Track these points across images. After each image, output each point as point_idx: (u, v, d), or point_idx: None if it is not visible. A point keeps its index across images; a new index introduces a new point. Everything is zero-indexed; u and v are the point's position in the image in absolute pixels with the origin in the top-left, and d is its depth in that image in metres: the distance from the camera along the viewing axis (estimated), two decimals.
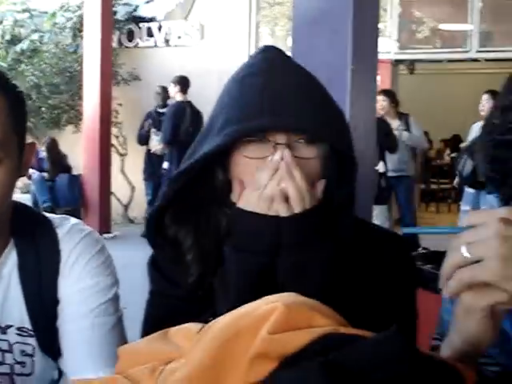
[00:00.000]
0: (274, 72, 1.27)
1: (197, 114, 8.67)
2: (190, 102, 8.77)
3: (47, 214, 1.45)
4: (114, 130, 9.97)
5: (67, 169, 9.58)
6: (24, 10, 11.50)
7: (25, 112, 1.35)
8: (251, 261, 1.20)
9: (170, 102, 9.14)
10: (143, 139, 9.43)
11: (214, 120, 1.29)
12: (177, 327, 1.04)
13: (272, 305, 0.90)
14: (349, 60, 3.24)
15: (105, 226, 8.91)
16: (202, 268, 1.29)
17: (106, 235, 8.15)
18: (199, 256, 1.30)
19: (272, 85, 1.24)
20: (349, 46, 3.24)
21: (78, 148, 8.99)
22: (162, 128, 8.81)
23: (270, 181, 1.21)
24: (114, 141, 9.99)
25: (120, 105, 10.28)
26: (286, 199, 1.20)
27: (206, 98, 9.29)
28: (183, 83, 8.83)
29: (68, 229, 1.41)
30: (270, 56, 1.31)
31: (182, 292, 1.30)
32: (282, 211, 1.20)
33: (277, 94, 1.23)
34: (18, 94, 1.33)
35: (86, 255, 1.39)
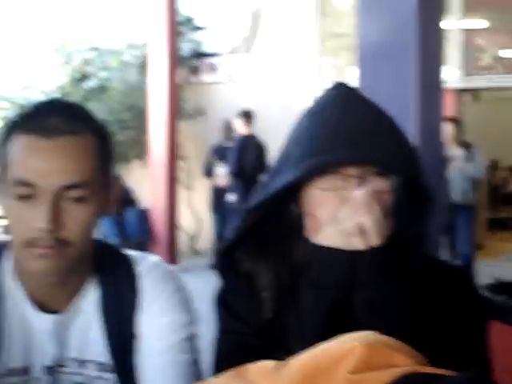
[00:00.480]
0: (346, 106, 1.28)
1: (261, 148, 8.73)
2: (254, 135, 8.83)
3: (127, 251, 1.47)
4: (180, 164, 10.09)
5: (133, 202, 9.70)
6: (92, 49, 11.78)
7: (111, 150, 1.36)
8: (327, 297, 1.20)
9: (234, 135, 9.21)
10: (208, 172, 9.53)
11: (287, 154, 1.29)
12: (252, 365, 1.04)
13: (351, 344, 0.89)
14: (414, 92, 3.23)
15: (172, 258, 8.98)
16: (278, 304, 1.29)
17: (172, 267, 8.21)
18: (275, 292, 1.30)
19: (345, 118, 1.25)
20: (414, 78, 3.23)
21: (146, 182, 9.11)
22: (227, 161, 8.88)
23: (348, 215, 1.21)
24: (180, 174, 10.10)
25: (186, 139, 10.40)
26: (363, 233, 1.20)
27: (270, 131, 9.43)
28: (247, 117, 8.90)
29: (148, 266, 1.43)
30: (341, 91, 1.32)
31: (253, 329, 1.30)
32: (359, 245, 1.20)
33: (350, 127, 1.24)
34: (105, 132, 1.35)
35: (163, 293, 1.40)
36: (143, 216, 9.18)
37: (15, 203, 1.25)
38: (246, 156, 8.61)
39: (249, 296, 1.32)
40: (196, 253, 10.91)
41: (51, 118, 1.26)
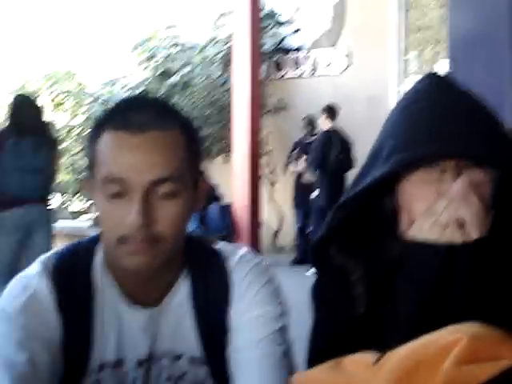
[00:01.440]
0: (440, 97, 1.25)
1: (346, 142, 8.67)
2: (338, 130, 8.78)
3: (218, 244, 1.47)
4: (263, 159, 10.12)
5: (217, 198, 9.78)
6: (174, 45, 11.94)
7: (199, 145, 1.36)
8: (424, 291, 1.17)
9: (318, 130, 9.18)
10: (291, 168, 9.53)
11: (380, 148, 1.27)
12: (350, 357, 1.02)
13: (456, 336, 0.86)
14: (508, 80, 3.15)
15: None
16: (371, 299, 1.27)
17: None
18: (368, 287, 1.28)
19: (439, 110, 1.22)
20: (508, 66, 3.15)
21: (229, 178, 9.16)
22: (309, 157, 8.87)
23: (445, 208, 1.18)
24: (262, 170, 10.13)
25: (269, 134, 10.43)
26: (461, 226, 1.17)
27: (354, 125, 9.35)
28: (331, 111, 8.85)
29: (238, 259, 1.42)
30: (434, 81, 1.29)
31: (348, 322, 1.28)
32: (456, 238, 1.17)
33: (445, 118, 1.21)
34: (193, 129, 1.34)
35: (255, 285, 1.39)
36: (226, 211, 9.23)
37: (106, 200, 1.25)
38: (329, 151, 8.56)
39: (342, 290, 1.30)
40: (278, 249, 10.92)
41: (139, 113, 1.26)
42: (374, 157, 1.27)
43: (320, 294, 1.36)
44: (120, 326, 1.36)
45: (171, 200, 1.24)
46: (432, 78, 1.31)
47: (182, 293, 1.39)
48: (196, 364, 1.40)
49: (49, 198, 5.64)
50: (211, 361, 1.40)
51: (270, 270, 1.45)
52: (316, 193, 8.75)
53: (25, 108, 5.48)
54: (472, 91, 1.30)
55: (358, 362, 0.99)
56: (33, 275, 1.34)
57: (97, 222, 1.34)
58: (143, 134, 1.23)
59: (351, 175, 8.17)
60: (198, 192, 1.35)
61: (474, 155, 1.19)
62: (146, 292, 1.37)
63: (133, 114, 1.26)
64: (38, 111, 5.60)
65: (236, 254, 1.43)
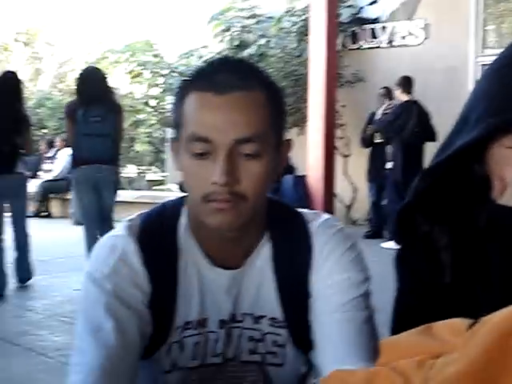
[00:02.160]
0: None
1: (424, 114, 8.53)
2: (416, 101, 8.64)
3: (300, 209, 1.46)
4: (337, 132, 10.06)
5: (291, 170, 9.78)
6: (251, 16, 11.93)
7: (283, 108, 1.36)
8: None
9: (394, 102, 9.06)
10: (367, 142, 9.44)
11: (469, 113, 1.23)
12: (441, 322, 1.00)
13: None
14: None
15: None
16: (459, 267, 1.24)
17: None
18: (456, 255, 1.26)
19: None
20: None
21: (303, 150, 9.14)
22: (384, 127, 8.77)
23: None
24: (337, 142, 10.07)
25: (343, 106, 10.35)
26: None
27: (432, 97, 9.21)
28: (407, 84, 8.72)
29: (320, 224, 1.42)
30: None
31: (435, 290, 1.26)
32: None
33: None
34: (275, 89, 1.33)
35: (338, 250, 1.38)
36: (300, 183, 9.22)
37: (191, 160, 1.27)
38: (406, 123, 8.44)
39: (428, 258, 1.28)
40: (352, 222, 10.88)
41: (223, 74, 1.27)
42: (463, 121, 1.23)
43: (404, 263, 1.33)
44: (203, 286, 1.39)
45: (254, 160, 1.26)
46: None
47: (263, 255, 1.40)
48: (277, 326, 1.41)
49: (115, 159, 6.30)
50: (292, 324, 1.40)
51: (352, 237, 1.44)
52: (390, 165, 8.65)
53: (90, 80, 6.10)
54: None
55: (451, 327, 0.97)
56: (119, 236, 1.37)
57: (181, 186, 1.37)
58: (227, 95, 1.24)
59: (429, 148, 8.06)
60: (281, 154, 1.36)
61: None
62: (228, 254, 1.38)
63: (217, 75, 1.27)
64: (102, 81, 6.19)
65: (318, 219, 1.43)
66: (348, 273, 1.37)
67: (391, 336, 1.17)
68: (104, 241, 1.38)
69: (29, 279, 6.29)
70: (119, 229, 1.39)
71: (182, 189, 1.61)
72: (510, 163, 1.18)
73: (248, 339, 1.42)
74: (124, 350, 1.27)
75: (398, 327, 1.29)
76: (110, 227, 5.62)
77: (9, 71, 6.47)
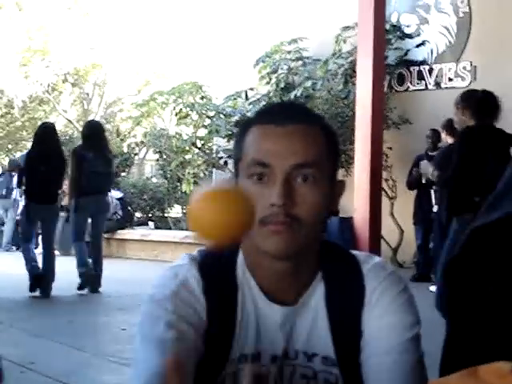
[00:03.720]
0: None
1: None
2: None
3: (352, 251, 1.49)
4: (383, 174, 10.03)
5: (336, 212, 9.76)
6: (297, 58, 12.05)
7: (337, 146, 1.45)
8: None
9: (441, 145, 9.02)
10: (413, 184, 9.40)
11: None
12: (486, 365, 1.01)
13: None
14: None
15: None
16: (506, 313, 1.25)
17: None
18: (501, 302, 1.26)
19: None
20: None
21: (349, 191, 9.16)
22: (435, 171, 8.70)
23: None
24: (383, 184, 10.04)
25: (390, 148, 10.34)
26: None
27: None
28: (452, 126, 8.66)
29: (373, 266, 1.45)
30: None
31: (484, 333, 1.28)
32: None
33: None
34: (330, 128, 1.45)
35: (390, 292, 1.41)
36: (346, 225, 9.20)
37: (250, 183, 1.35)
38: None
39: (479, 303, 1.30)
40: (399, 265, 10.78)
41: (283, 111, 1.42)
42: (510, 185, 1.26)
43: (453, 308, 1.37)
44: (258, 320, 1.42)
45: (310, 184, 1.33)
46: None
47: (317, 294, 1.43)
48: (329, 365, 1.42)
49: (108, 190, 9.04)
50: (343, 363, 1.41)
51: (403, 280, 1.46)
52: (436, 208, 8.58)
53: (96, 133, 8.56)
54: None
55: (495, 370, 0.98)
56: (183, 265, 1.44)
57: None
58: (287, 126, 1.35)
59: None
60: (335, 191, 1.43)
61: None
62: (283, 290, 1.41)
63: (278, 111, 1.42)
64: (104, 135, 8.85)
65: (371, 260, 1.46)
66: (400, 315, 1.39)
67: (439, 378, 1.17)
68: (168, 269, 1.45)
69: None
70: (182, 259, 1.46)
71: None
72: None
73: (300, 377, 1.43)
74: (184, 358, 1.28)
75: (447, 369, 1.30)
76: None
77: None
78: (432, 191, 8.86)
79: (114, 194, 12.86)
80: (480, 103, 5.00)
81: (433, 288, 7.51)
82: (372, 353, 1.38)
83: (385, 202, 10.09)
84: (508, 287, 1.27)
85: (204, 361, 1.36)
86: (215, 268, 1.44)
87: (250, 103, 12.06)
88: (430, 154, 9.17)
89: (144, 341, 1.34)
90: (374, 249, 9.02)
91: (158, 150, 14.95)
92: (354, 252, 1.49)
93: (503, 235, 1.29)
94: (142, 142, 16.10)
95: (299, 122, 1.37)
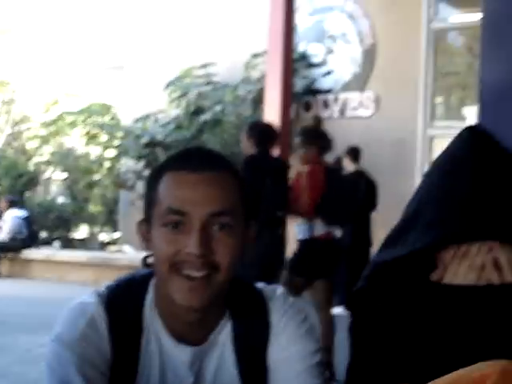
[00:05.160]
0: (480, 170, 1.29)
1: (371, 184, 8.74)
2: (363, 171, 8.86)
3: (259, 284, 1.54)
4: None
5: None
6: (207, 83, 12.09)
7: (245, 192, 1.44)
8: (460, 331, 1.22)
9: (344, 172, 9.25)
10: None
11: (417, 213, 1.33)
12: None
13: (487, 370, 0.96)
14: None
15: None
16: (408, 343, 1.32)
17: None
18: (405, 329, 1.33)
19: (478, 188, 1.27)
20: None
21: None
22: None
23: (479, 250, 1.23)
24: None
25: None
26: (497, 269, 1.22)
27: (380, 168, 9.41)
28: (354, 153, 8.91)
29: (276, 299, 1.49)
30: (475, 147, 1.33)
31: (387, 359, 1.35)
32: (494, 279, 1.21)
33: (482, 199, 1.26)
34: (238, 172, 1.45)
35: (293, 323, 1.46)
36: None
37: (164, 231, 1.34)
38: (353, 194, 8.60)
39: (381, 331, 1.37)
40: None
41: (196, 157, 1.40)
42: (411, 222, 1.34)
43: (358, 335, 1.43)
44: (165, 362, 1.44)
45: (227, 232, 1.34)
46: (474, 138, 1.35)
47: (224, 332, 1.46)
48: None
49: None
50: None
51: (304, 310, 1.53)
52: (338, 233, 8.74)
53: None
54: (500, 141, 1.35)
55: None
56: (89, 303, 1.43)
57: (145, 262, 1.46)
58: (203, 173, 1.35)
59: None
60: (249, 236, 1.44)
61: (506, 239, 1.24)
62: (192, 332, 1.43)
63: (191, 157, 1.40)
64: None
65: (275, 295, 1.50)
66: (302, 343, 1.45)
67: None
68: (75, 306, 1.44)
69: None
70: (89, 296, 1.45)
71: (146, 264, 1.68)
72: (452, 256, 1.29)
73: None
74: None
75: None
76: None
77: None
78: None
79: (19, 213, 12.61)
80: (262, 133, 5.52)
81: (335, 310, 7.59)
82: (279, 382, 1.44)
83: None
84: (407, 323, 1.35)
85: None
86: (122, 307, 1.43)
87: (160, 125, 12.04)
88: None
89: (52, 381, 1.36)
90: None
91: (65, 170, 14.73)
92: (260, 286, 1.52)
93: (406, 272, 1.37)
94: (49, 161, 15.83)
95: (214, 169, 1.37)
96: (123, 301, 1.44)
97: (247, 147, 5.54)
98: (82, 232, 15.51)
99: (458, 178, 1.31)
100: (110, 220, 14.08)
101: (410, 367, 1.32)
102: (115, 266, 10.68)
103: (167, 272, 1.34)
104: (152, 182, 1.41)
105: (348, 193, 6.15)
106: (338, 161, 9.44)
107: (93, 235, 13.93)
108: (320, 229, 5.41)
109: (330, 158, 9.76)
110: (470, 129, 1.39)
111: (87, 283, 10.18)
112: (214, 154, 1.46)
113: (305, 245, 5.42)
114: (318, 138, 6.00)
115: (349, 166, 8.87)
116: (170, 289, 1.35)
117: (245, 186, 1.45)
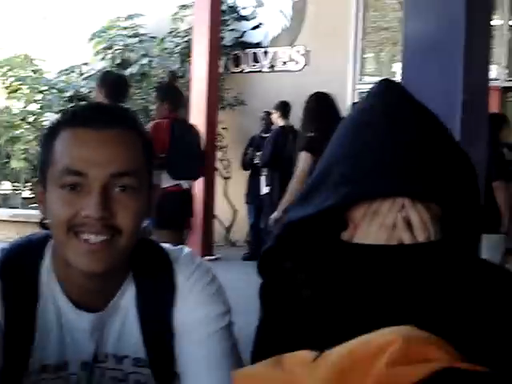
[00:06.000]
0: (392, 124, 1.25)
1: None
2: (292, 126, 8.81)
3: (164, 245, 1.47)
4: (218, 154, 10.13)
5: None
6: (134, 35, 11.87)
7: (152, 151, 1.37)
8: (369, 292, 1.19)
9: (273, 127, 9.21)
10: (246, 165, 9.53)
11: (328, 170, 1.29)
12: (291, 354, 1.04)
13: (389, 337, 0.90)
14: (460, 88, 3.19)
15: (207, 248, 9.01)
16: (317, 304, 1.28)
17: (208, 257, 8.24)
18: (314, 293, 1.30)
19: (390, 144, 1.23)
20: (460, 75, 3.19)
21: None
22: (262, 152, 8.88)
23: (391, 209, 1.20)
24: (218, 164, 10.13)
25: (225, 129, 10.44)
26: (408, 228, 1.19)
27: None
28: (284, 108, 8.88)
29: (182, 260, 1.43)
30: (389, 100, 1.29)
31: (294, 322, 1.30)
32: (405, 239, 1.19)
33: (394, 155, 1.22)
34: (147, 134, 1.39)
35: (198, 286, 1.41)
36: None
37: (61, 192, 1.25)
38: (282, 148, 8.56)
39: (290, 292, 1.32)
40: (231, 244, 10.94)
41: (96, 114, 1.30)
42: (322, 179, 1.29)
43: (267, 296, 1.38)
44: (64, 330, 1.37)
45: (129, 194, 1.26)
46: (387, 91, 1.31)
47: (127, 296, 1.39)
48: (140, 366, 1.41)
49: None
50: (155, 362, 1.40)
51: (211, 270, 1.47)
52: (266, 189, 8.74)
53: None
54: (422, 97, 1.31)
55: (298, 359, 1.01)
56: None
57: (43, 224, 1.35)
58: (104, 131, 1.26)
59: None
60: (152, 198, 1.36)
61: (417, 196, 1.22)
62: (92, 296, 1.36)
63: (91, 113, 1.30)
64: None
65: (181, 256, 1.44)
66: (210, 306, 1.40)
67: (246, 367, 1.19)
68: None
69: None
70: None
71: (43, 226, 1.59)
72: (364, 215, 1.24)
73: (110, 379, 1.41)
74: None
75: (258, 356, 1.32)
76: None
77: None
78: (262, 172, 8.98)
79: None
80: (113, 85, 5.57)
81: None
82: (185, 346, 1.39)
83: (219, 181, 10.21)
84: (317, 284, 1.31)
85: (2, 370, 1.31)
86: (16, 272, 1.35)
87: (85, 78, 11.77)
88: (263, 135, 9.34)
89: None
90: (208, 228, 9.11)
91: None
92: (166, 247, 1.46)
93: (316, 231, 1.33)
94: None
95: (116, 127, 1.28)
96: (17, 265, 1.35)
97: (98, 98, 5.51)
98: (4, 188, 15.18)
99: (370, 132, 1.26)
100: (33, 176, 13.80)
101: (318, 330, 1.26)
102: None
103: (64, 236, 1.24)
104: (47, 140, 1.31)
105: (195, 148, 6.18)
106: (268, 116, 9.39)
107: (15, 192, 13.62)
108: (166, 182, 5.56)
109: (258, 112, 9.74)
110: (383, 82, 1.35)
111: (10, 241, 9.95)
112: (117, 109, 1.37)
113: None
114: (169, 94, 6.16)
115: (278, 121, 8.84)
116: (68, 253, 1.27)
117: (152, 144, 1.37)
